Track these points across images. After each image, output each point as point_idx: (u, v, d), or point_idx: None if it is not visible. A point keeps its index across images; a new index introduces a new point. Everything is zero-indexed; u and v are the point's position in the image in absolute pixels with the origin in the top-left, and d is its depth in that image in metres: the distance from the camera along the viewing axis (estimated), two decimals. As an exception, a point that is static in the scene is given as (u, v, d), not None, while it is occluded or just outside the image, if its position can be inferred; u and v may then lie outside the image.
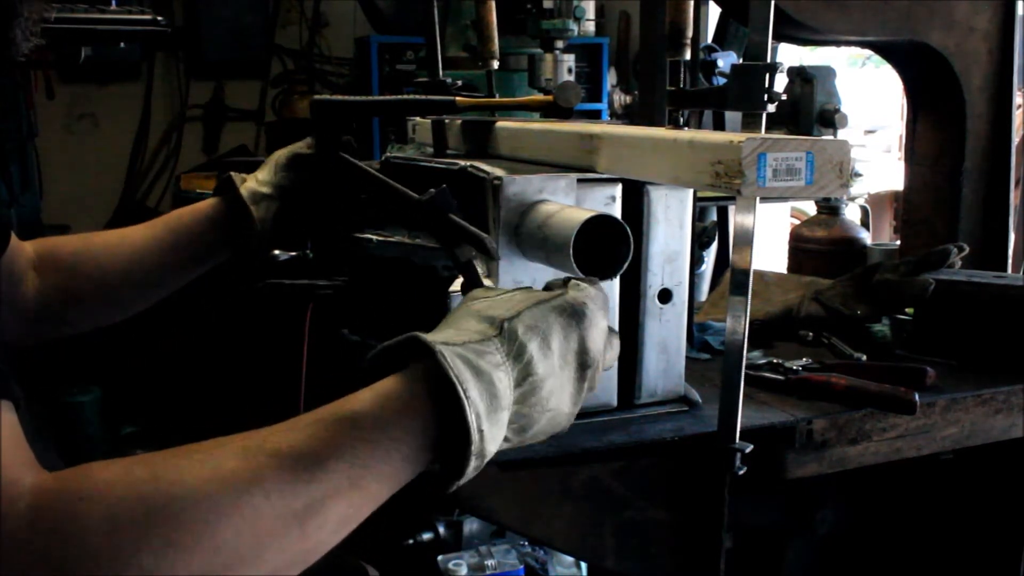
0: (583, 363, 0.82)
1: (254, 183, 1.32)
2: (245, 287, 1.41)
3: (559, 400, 0.81)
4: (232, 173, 1.33)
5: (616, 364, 1.16)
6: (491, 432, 0.74)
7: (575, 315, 0.82)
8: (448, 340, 0.76)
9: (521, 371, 0.78)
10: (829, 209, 2.02)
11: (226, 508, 0.63)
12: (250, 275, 1.40)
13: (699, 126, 1.89)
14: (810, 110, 2.30)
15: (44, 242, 1.25)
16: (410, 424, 0.72)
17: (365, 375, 0.77)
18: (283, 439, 0.68)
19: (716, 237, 2.29)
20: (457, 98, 1.37)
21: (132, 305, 1.29)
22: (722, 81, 2.33)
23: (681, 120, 1.39)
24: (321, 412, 0.72)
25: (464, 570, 2.48)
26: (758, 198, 1.02)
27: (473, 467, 0.74)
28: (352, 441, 0.70)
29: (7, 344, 1.12)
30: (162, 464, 0.64)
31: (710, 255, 2.66)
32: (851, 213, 2.08)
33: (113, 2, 2.88)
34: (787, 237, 2.12)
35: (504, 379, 0.76)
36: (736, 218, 1.05)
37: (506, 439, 0.79)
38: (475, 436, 0.73)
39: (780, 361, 1.35)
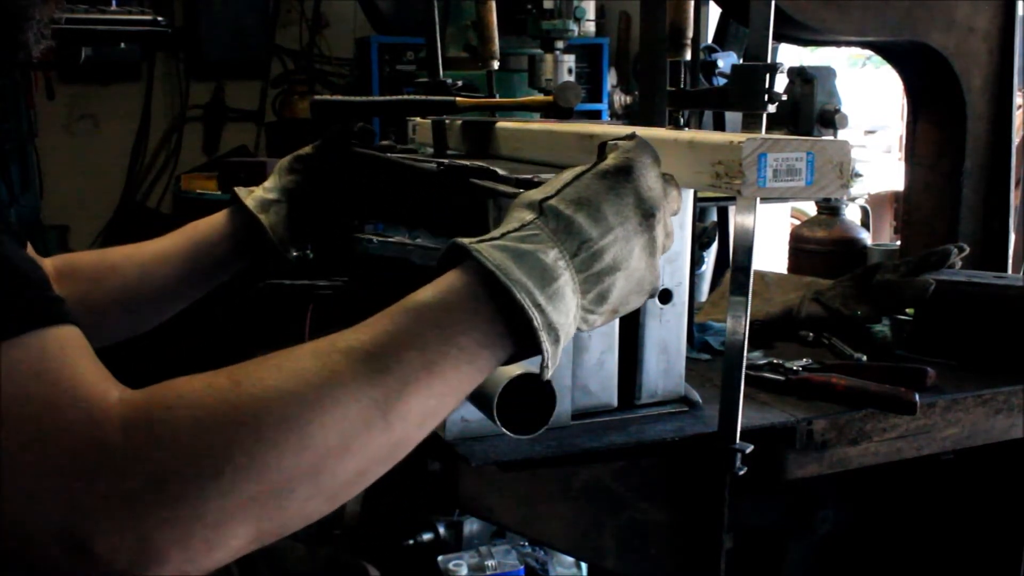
0: (645, 212, 0.81)
1: (261, 191, 1.35)
2: (245, 287, 1.41)
3: (628, 257, 0.80)
4: (237, 188, 1.35)
5: (616, 362, 1.16)
6: (553, 306, 0.75)
7: (620, 172, 0.81)
8: (486, 238, 0.77)
9: (572, 241, 0.78)
10: (829, 209, 2.02)
11: (308, 403, 0.65)
12: (266, 278, 1.41)
13: (699, 126, 1.89)
14: (810, 110, 2.30)
15: (63, 257, 1.27)
16: (473, 314, 0.73)
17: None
18: (353, 337, 0.70)
19: (716, 237, 2.29)
20: (457, 98, 1.37)
21: (152, 317, 1.31)
22: (722, 81, 2.33)
23: (681, 120, 1.39)
24: (387, 309, 0.73)
25: (464, 570, 2.48)
26: (758, 198, 1.02)
27: (549, 341, 0.74)
28: (421, 328, 0.71)
29: None
30: (240, 372, 0.66)
31: (710, 255, 2.66)
32: (851, 213, 2.08)
33: (113, 2, 2.88)
34: (787, 237, 2.12)
35: (552, 253, 0.76)
36: (736, 218, 1.05)
37: (588, 310, 0.79)
38: (533, 313, 0.73)
39: (780, 361, 1.35)
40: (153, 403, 0.63)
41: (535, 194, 0.81)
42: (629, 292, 0.82)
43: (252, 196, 1.34)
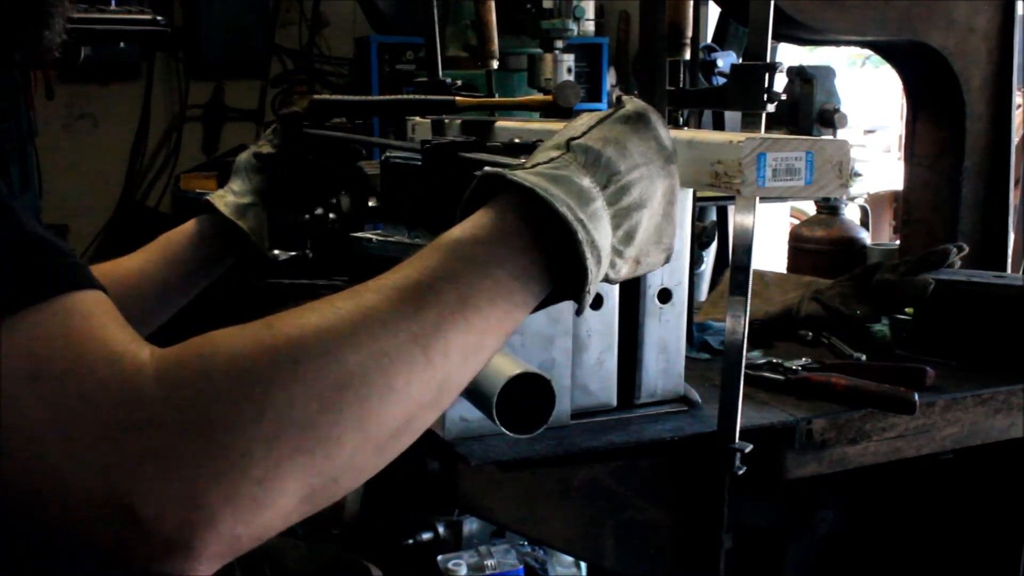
0: (667, 156, 0.82)
1: (232, 197, 1.35)
2: (245, 287, 1.42)
3: (652, 197, 0.80)
4: (208, 198, 1.36)
5: (616, 361, 1.16)
6: (594, 225, 0.74)
7: (640, 119, 0.82)
8: (515, 166, 0.77)
9: (602, 173, 0.77)
10: (829, 209, 2.02)
11: (346, 339, 0.63)
12: (250, 275, 1.41)
13: (698, 126, 1.89)
14: (810, 110, 2.30)
15: None
16: (507, 246, 0.72)
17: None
18: (386, 277, 0.69)
19: (715, 237, 2.29)
20: (457, 98, 1.37)
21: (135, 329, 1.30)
22: (722, 81, 2.33)
23: (681, 120, 1.39)
24: (418, 252, 0.72)
25: (464, 570, 2.48)
26: (758, 198, 1.03)
27: (593, 259, 0.73)
28: (455, 263, 0.70)
29: None
30: (275, 317, 0.64)
31: (709, 255, 2.66)
32: (851, 213, 2.08)
33: (113, 2, 2.88)
34: (786, 237, 2.12)
35: (586, 180, 0.76)
36: (736, 218, 1.05)
37: (616, 250, 0.78)
38: (576, 226, 0.72)
39: (780, 361, 1.35)
40: (187, 353, 0.61)
41: (560, 136, 0.81)
42: (650, 239, 0.81)
43: (225, 202, 1.34)
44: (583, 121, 0.83)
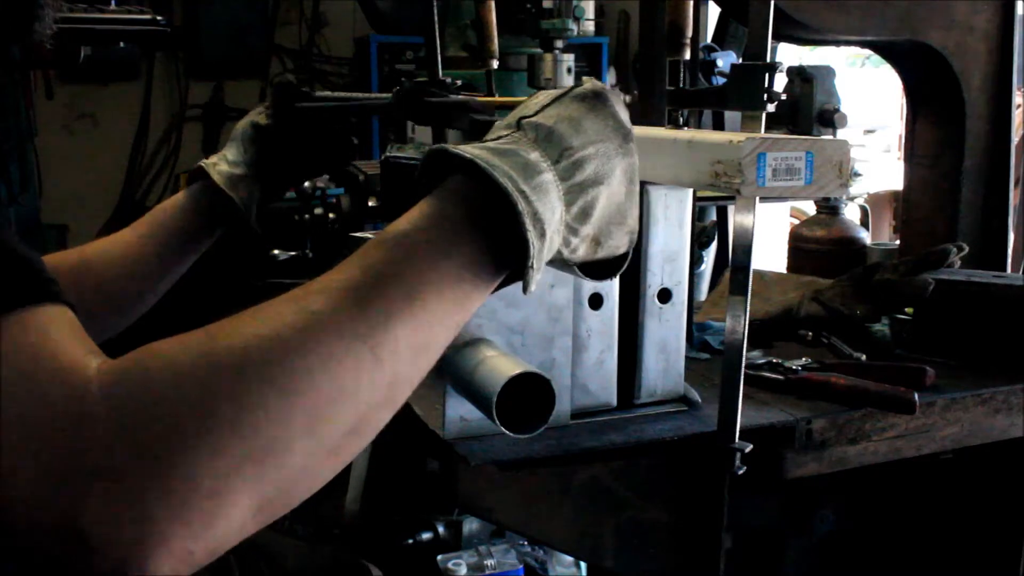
0: (625, 135, 0.80)
1: (226, 166, 1.33)
2: (245, 286, 1.42)
3: (610, 175, 0.78)
4: (201, 163, 1.35)
5: (616, 361, 1.16)
6: (537, 197, 0.72)
7: (598, 98, 0.80)
8: (463, 144, 0.75)
9: (553, 147, 0.76)
10: (829, 209, 2.02)
11: (289, 344, 0.61)
12: (250, 275, 1.41)
13: (698, 126, 1.89)
14: (809, 110, 2.30)
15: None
16: (455, 231, 0.70)
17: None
18: (327, 278, 0.67)
19: (715, 237, 2.28)
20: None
21: (134, 308, 1.29)
22: (722, 81, 2.33)
23: (681, 120, 1.39)
24: (360, 248, 0.70)
25: (463, 570, 2.47)
26: (757, 198, 1.03)
27: (535, 233, 0.71)
28: (399, 257, 0.68)
29: None
30: (215, 326, 0.63)
31: (709, 255, 2.66)
32: (851, 213, 2.08)
33: (113, 2, 2.88)
34: (786, 237, 2.12)
35: (534, 154, 0.74)
36: (736, 218, 1.05)
37: (571, 228, 0.76)
38: (516, 197, 0.70)
39: (780, 361, 1.35)
40: (130, 367, 0.59)
41: (511, 116, 0.80)
42: (611, 218, 0.79)
43: (218, 171, 1.32)
44: (538, 100, 0.81)
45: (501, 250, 0.72)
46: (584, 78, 0.84)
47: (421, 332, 0.67)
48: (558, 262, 0.80)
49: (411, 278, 0.67)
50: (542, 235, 0.72)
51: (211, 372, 0.59)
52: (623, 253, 0.83)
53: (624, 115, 0.81)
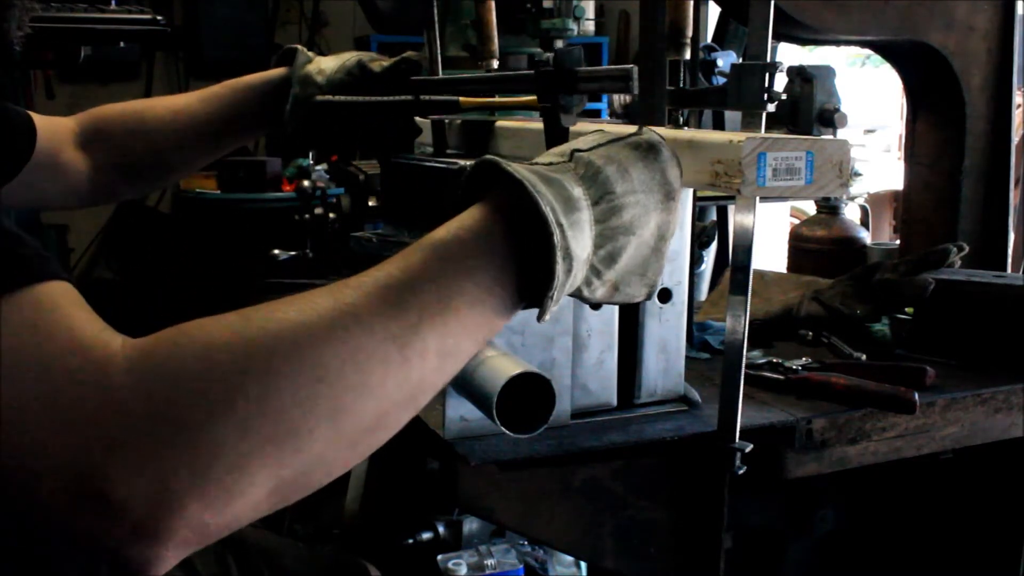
0: (668, 192, 0.81)
1: (315, 69, 1.36)
2: (245, 286, 1.42)
3: (644, 226, 0.80)
4: (300, 48, 1.39)
5: (616, 361, 1.16)
6: (573, 233, 0.73)
7: (652, 150, 0.82)
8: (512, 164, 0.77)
9: (597, 189, 0.77)
10: (829, 209, 2.02)
11: (321, 334, 0.63)
12: (250, 275, 1.41)
13: (698, 125, 1.89)
14: (810, 110, 2.30)
15: (90, 118, 1.31)
16: (494, 248, 0.72)
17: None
18: (367, 275, 0.68)
19: (715, 236, 2.28)
20: (460, 98, 1.37)
21: (179, 172, 1.41)
22: (722, 81, 2.33)
23: (681, 120, 1.39)
24: (402, 251, 0.72)
25: (463, 569, 2.48)
26: (758, 198, 1.03)
27: (563, 267, 0.72)
28: (437, 264, 0.70)
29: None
30: (251, 309, 0.64)
31: (709, 255, 2.66)
32: (851, 213, 2.08)
33: (113, 2, 2.88)
34: (787, 236, 2.12)
35: (577, 190, 0.76)
36: (736, 217, 1.05)
37: (595, 269, 0.78)
38: (554, 228, 0.71)
39: (780, 361, 1.35)
40: (159, 343, 0.61)
41: (566, 145, 0.82)
42: (633, 269, 0.81)
43: (305, 68, 1.36)
44: (594, 136, 0.83)
45: (527, 274, 0.73)
46: (646, 128, 0.85)
47: (450, 339, 0.69)
48: (574, 296, 0.81)
49: (447, 286, 0.69)
50: (569, 271, 0.73)
51: (244, 349, 0.60)
52: (638, 302, 0.85)
53: (673, 172, 0.82)
